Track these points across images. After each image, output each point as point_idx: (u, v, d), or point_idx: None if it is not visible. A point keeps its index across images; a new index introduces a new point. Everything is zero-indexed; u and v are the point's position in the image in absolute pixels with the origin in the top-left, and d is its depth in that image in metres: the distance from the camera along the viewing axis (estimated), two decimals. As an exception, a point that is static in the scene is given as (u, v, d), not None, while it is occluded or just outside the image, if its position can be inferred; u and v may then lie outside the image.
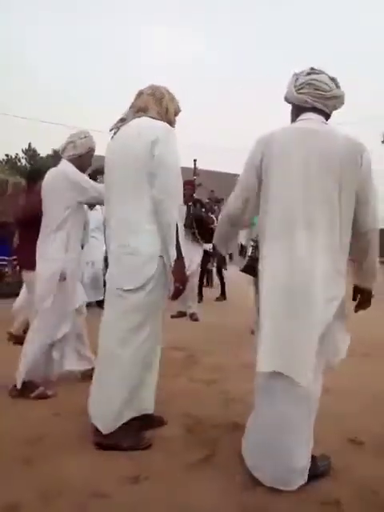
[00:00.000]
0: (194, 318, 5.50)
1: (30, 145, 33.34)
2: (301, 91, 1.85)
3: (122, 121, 2.14)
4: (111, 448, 2.02)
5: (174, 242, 1.97)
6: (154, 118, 2.07)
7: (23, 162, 33.04)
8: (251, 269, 4.49)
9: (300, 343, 1.70)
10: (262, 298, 1.85)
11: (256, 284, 4.57)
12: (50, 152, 33.40)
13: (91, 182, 2.78)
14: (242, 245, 4.79)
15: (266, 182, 1.85)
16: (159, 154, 1.94)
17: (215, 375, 3.22)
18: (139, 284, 1.97)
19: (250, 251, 4.61)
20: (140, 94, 2.18)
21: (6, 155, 31.68)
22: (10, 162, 31.69)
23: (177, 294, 2.07)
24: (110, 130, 2.19)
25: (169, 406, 2.18)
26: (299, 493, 1.77)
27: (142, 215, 1.99)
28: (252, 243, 4.71)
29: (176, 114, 2.24)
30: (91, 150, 2.87)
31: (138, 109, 2.12)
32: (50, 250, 2.72)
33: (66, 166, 2.77)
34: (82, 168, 2.82)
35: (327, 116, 1.89)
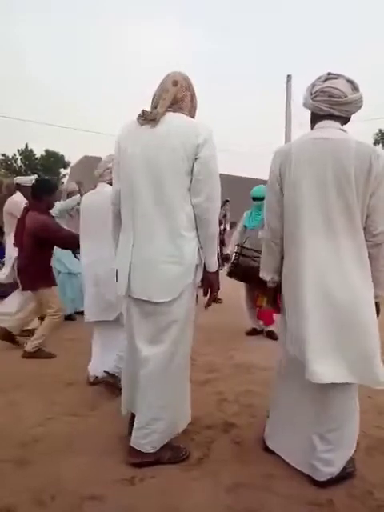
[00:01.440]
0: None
1: (26, 146, 33.23)
2: (316, 99, 1.84)
3: (153, 116, 1.85)
4: (151, 464, 1.94)
5: (216, 252, 1.93)
6: (187, 115, 1.92)
7: (19, 162, 32.92)
8: (235, 274, 4.53)
9: (357, 346, 1.75)
10: (291, 302, 1.90)
11: (249, 287, 4.55)
12: (43, 153, 33.43)
13: None
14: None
15: (285, 193, 1.89)
16: (205, 158, 1.80)
17: (209, 375, 3.22)
18: (176, 295, 1.86)
19: (233, 257, 4.63)
20: (175, 82, 1.92)
21: (3, 155, 31.53)
22: (6, 163, 31.58)
23: (211, 303, 2.05)
24: (144, 118, 1.87)
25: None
26: (292, 493, 1.78)
27: (183, 221, 1.84)
28: (236, 249, 4.74)
29: None
30: None
31: (176, 100, 1.90)
32: (110, 255, 2.72)
33: (108, 189, 2.82)
34: None
35: (346, 120, 1.89)
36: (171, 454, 2.00)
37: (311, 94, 1.86)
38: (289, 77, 15.79)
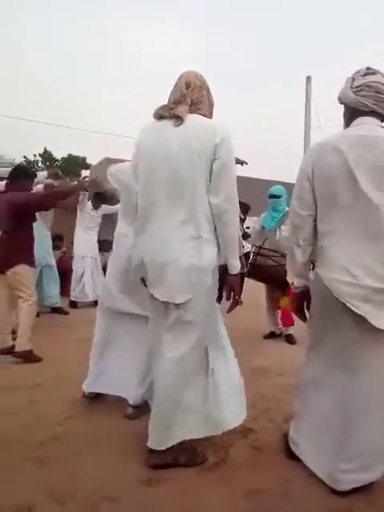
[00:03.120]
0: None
1: (45, 149, 33.79)
2: (360, 93, 1.77)
3: (175, 115, 1.86)
4: (169, 466, 1.94)
5: (238, 254, 1.91)
6: (205, 115, 1.92)
7: (41, 165, 33.50)
8: (253, 274, 4.49)
9: None
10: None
11: (270, 288, 4.47)
12: (65, 155, 33.92)
13: None
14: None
15: (318, 192, 1.83)
16: (224, 158, 1.81)
17: (228, 379, 3.19)
18: (195, 295, 1.83)
19: (251, 257, 4.58)
20: (188, 84, 1.91)
21: (24, 157, 32.12)
22: (29, 166, 32.16)
23: (234, 307, 2.01)
24: (159, 118, 1.91)
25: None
26: (310, 500, 1.76)
27: (203, 223, 1.84)
28: (255, 249, 4.68)
29: None
30: None
31: (194, 101, 1.90)
32: None
33: None
34: None
35: (383, 118, 1.83)
36: (188, 456, 2.00)
37: (352, 88, 1.79)
38: (308, 78, 15.53)
